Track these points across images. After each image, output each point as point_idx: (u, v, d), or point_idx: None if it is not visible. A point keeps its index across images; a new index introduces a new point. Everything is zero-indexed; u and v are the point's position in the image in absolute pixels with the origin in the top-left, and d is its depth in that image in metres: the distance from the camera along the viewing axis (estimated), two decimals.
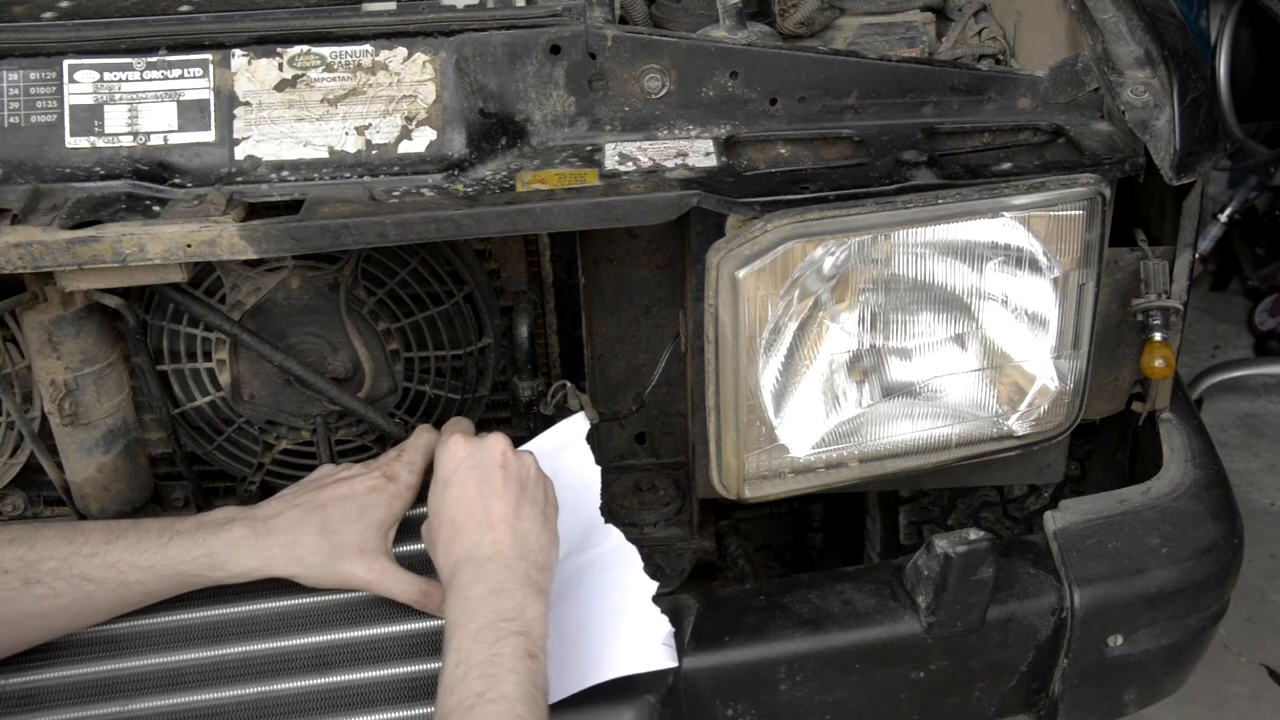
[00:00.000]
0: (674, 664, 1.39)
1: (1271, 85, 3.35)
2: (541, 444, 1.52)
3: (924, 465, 1.56)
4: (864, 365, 1.49)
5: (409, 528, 1.48)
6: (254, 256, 1.35)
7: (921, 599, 1.45)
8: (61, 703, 1.36)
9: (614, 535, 1.47)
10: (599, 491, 1.50)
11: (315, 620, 1.42)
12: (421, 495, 1.47)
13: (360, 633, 1.41)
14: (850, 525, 2.20)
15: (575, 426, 1.54)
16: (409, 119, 1.44)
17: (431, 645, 1.38)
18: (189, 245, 1.33)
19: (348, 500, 1.42)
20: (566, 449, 1.52)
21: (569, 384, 1.60)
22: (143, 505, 1.64)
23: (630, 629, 1.39)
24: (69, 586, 1.33)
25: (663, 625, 1.39)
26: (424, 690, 1.34)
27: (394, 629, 1.41)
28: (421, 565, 1.43)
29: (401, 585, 1.40)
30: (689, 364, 1.57)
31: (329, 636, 1.41)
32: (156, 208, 1.38)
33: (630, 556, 1.44)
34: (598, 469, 1.51)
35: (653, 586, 1.41)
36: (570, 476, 1.49)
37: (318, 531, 1.40)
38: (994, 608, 1.46)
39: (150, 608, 1.41)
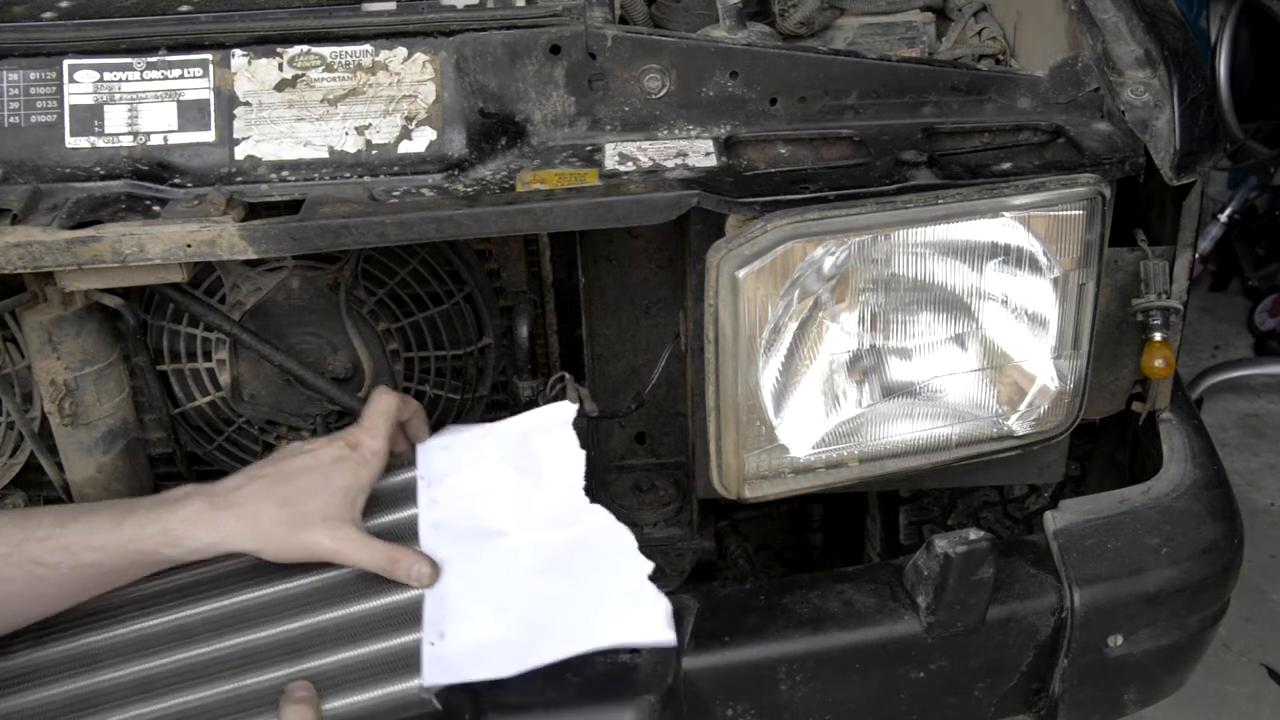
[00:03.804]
0: (675, 644, 1.37)
1: (1271, 85, 3.35)
2: (523, 422, 1.50)
3: (924, 465, 1.56)
4: (864, 365, 1.49)
5: (386, 500, 1.45)
6: (254, 256, 1.35)
7: (921, 599, 1.45)
8: None
9: (602, 514, 1.45)
10: (583, 474, 1.46)
11: (286, 608, 1.39)
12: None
13: (333, 614, 1.38)
14: (850, 525, 2.20)
15: (561, 412, 1.51)
16: (409, 119, 1.44)
17: (408, 617, 1.36)
18: (189, 245, 1.33)
19: (312, 471, 1.39)
20: (549, 431, 1.50)
21: (568, 375, 1.60)
22: None
23: (629, 600, 1.38)
24: (22, 572, 1.30)
25: (663, 602, 1.37)
26: (402, 663, 1.32)
27: (367, 605, 1.38)
28: (397, 537, 1.41)
29: (370, 553, 1.37)
30: (689, 364, 1.57)
31: (300, 623, 1.38)
32: (156, 208, 1.38)
33: (623, 536, 1.42)
34: (582, 453, 1.47)
35: (649, 565, 1.39)
36: (552, 459, 1.47)
37: (279, 503, 1.36)
38: (994, 608, 1.46)
39: (118, 618, 1.38)
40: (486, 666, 1.33)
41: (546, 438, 1.49)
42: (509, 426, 1.51)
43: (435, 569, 1.39)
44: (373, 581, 1.39)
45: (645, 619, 1.36)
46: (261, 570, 1.41)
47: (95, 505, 1.37)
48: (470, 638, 1.35)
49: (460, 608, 1.37)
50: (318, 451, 1.41)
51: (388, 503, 1.45)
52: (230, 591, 1.40)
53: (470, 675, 1.32)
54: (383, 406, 1.45)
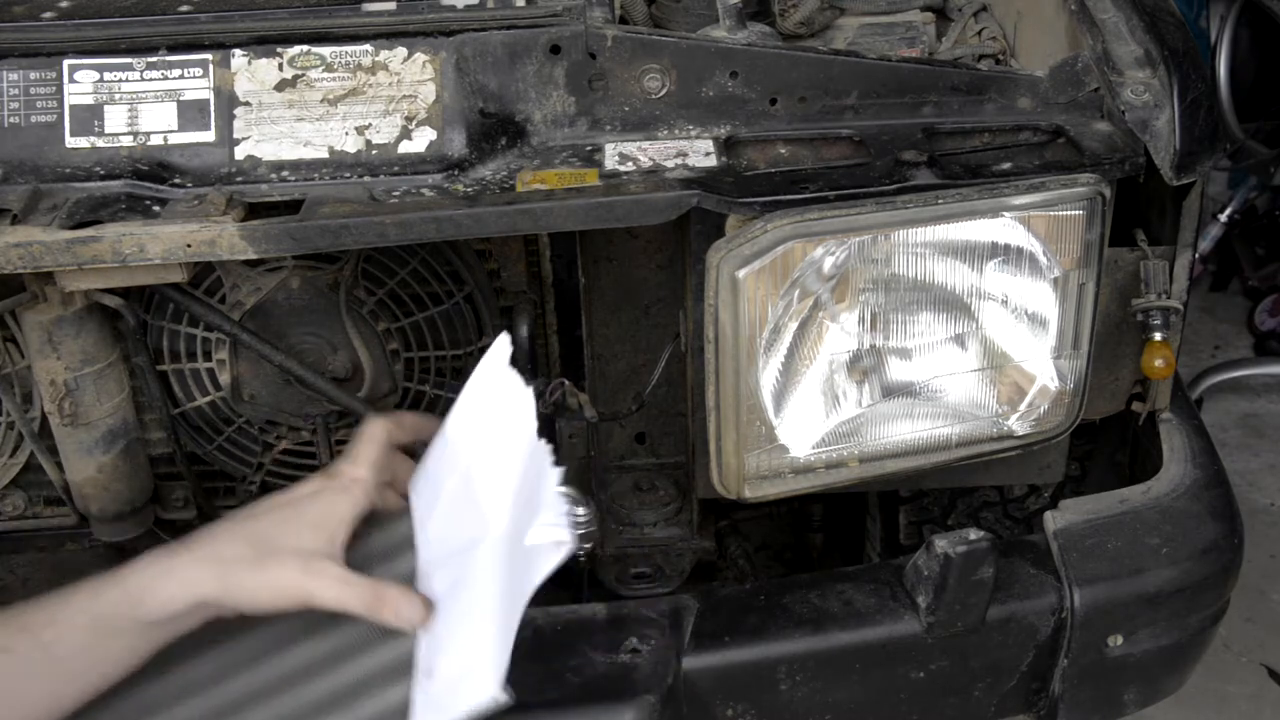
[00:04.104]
0: (570, 543, 1.19)
1: (1271, 85, 3.35)
2: (468, 394, 1.32)
3: (924, 465, 1.56)
4: (864, 365, 1.49)
5: (387, 553, 1.27)
6: (254, 256, 1.34)
7: (921, 599, 1.45)
8: None
9: (533, 448, 1.24)
10: (532, 415, 1.25)
11: (281, 686, 1.24)
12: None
13: (327, 681, 1.24)
14: (850, 525, 2.20)
15: (493, 355, 1.30)
16: (409, 119, 1.44)
17: (404, 666, 1.21)
18: (189, 245, 1.33)
19: (283, 506, 1.24)
20: (493, 385, 1.30)
21: (567, 382, 1.60)
22: (143, 505, 1.64)
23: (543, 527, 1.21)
24: None
25: (556, 505, 1.19)
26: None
27: (363, 663, 1.23)
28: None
29: (350, 590, 1.19)
30: (689, 364, 1.57)
31: (295, 700, 1.24)
32: (156, 208, 1.38)
33: (543, 457, 1.23)
34: (528, 391, 1.26)
35: (556, 473, 1.21)
36: (503, 414, 1.27)
37: (244, 539, 1.20)
38: (994, 608, 1.46)
39: None
40: (473, 692, 1.18)
41: (493, 394, 1.30)
42: (460, 407, 1.33)
43: (427, 607, 1.22)
44: (369, 635, 1.24)
45: (548, 534, 1.20)
46: (258, 649, 1.27)
47: (61, 590, 1.21)
48: (456, 667, 1.21)
49: (447, 637, 1.23)
50: (293, 490, 1.28)
51: (388, 556, 1.29)
52: (226, 680, 1.26)
53: (460, 709, 1.17)
54: (369, 433, 1.31)
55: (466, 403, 1.32)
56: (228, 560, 1.19)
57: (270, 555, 1.19)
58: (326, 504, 1.25)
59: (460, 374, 1.64)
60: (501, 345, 1.30)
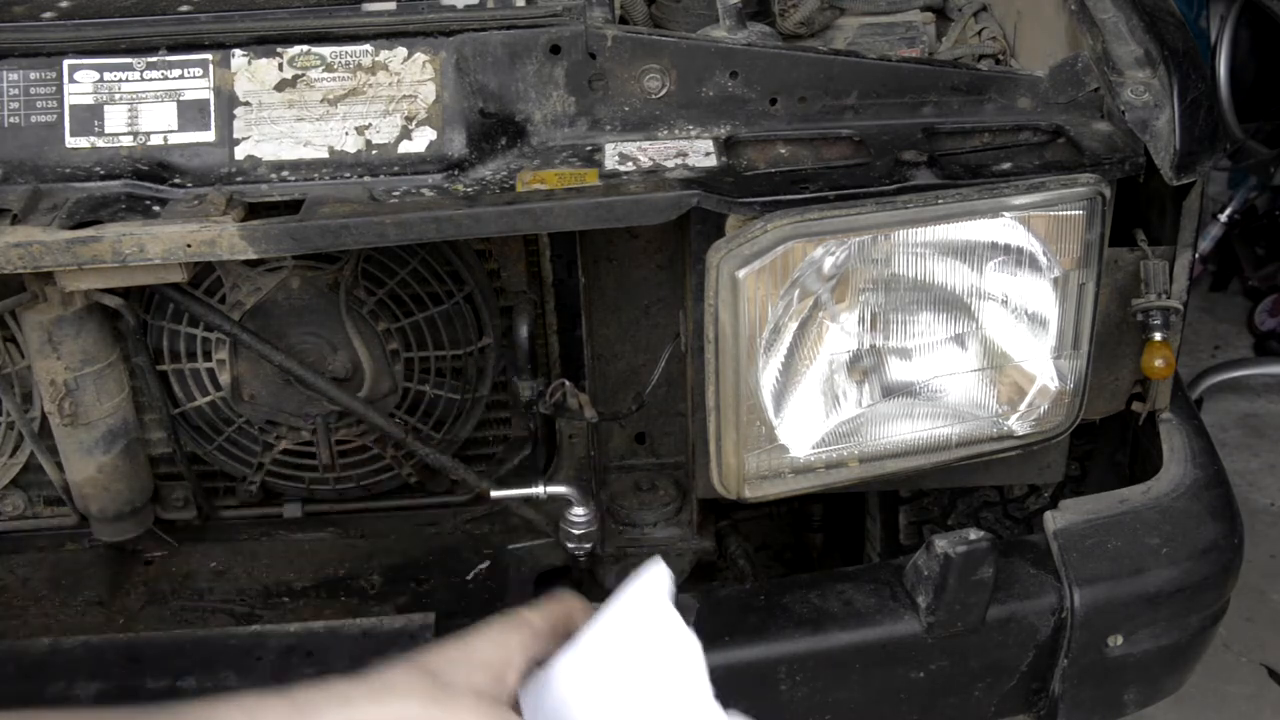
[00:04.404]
0: None
1: (1271, 85, 3.35)
2: (613, 618, 1.17)
3: (924, 465, 1.56)
4: (864, 365, 1.49)
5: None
6: (254, 256, 1.34)
7: (921, 599, 1.45)
8: None
9: None
10: (704, 673, 1.10)
11: None
12: None
13: None
14: (850, 525, 2.20)
15: (652, 586, 1.14)
16: (409, 119, 1.44)
17: None
18: (189, 245, 1.33)
19: (455, 647, 1.17)
20: (646, 620, 1.14)
21: (567, 383, 1.60)
22: (143, 505, 1.64)
23: None
24: None
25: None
26: None
27: None
28: None
29: None
30: (689, 364, 1.57)
31: None
32: (156, 208, 1.38)
33: None
34: (696, 643, 1.10)
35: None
36: (659, 661, 1.13)
37: (418, 672, 1.13)
38: (994, 608, 1.46)
39: None
40: None
41: (644, 631, 1.15)
42: (602, 629, 1.18)
43: None
44: None
45: None
46: None
47: (230, 694, 1.13)
48: None
49: None
50: (466, 629, 1.20)
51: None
52: None
53: None
54: (560, 596, 1.24)
55: (610, 627, 1.18)
56: (400, 692, 1.12)
57: (445, 691, 1.12)
58: (497, 643, 1.18)
59: (460, 374, 1.64)
60: (659, 574, 1.15)
